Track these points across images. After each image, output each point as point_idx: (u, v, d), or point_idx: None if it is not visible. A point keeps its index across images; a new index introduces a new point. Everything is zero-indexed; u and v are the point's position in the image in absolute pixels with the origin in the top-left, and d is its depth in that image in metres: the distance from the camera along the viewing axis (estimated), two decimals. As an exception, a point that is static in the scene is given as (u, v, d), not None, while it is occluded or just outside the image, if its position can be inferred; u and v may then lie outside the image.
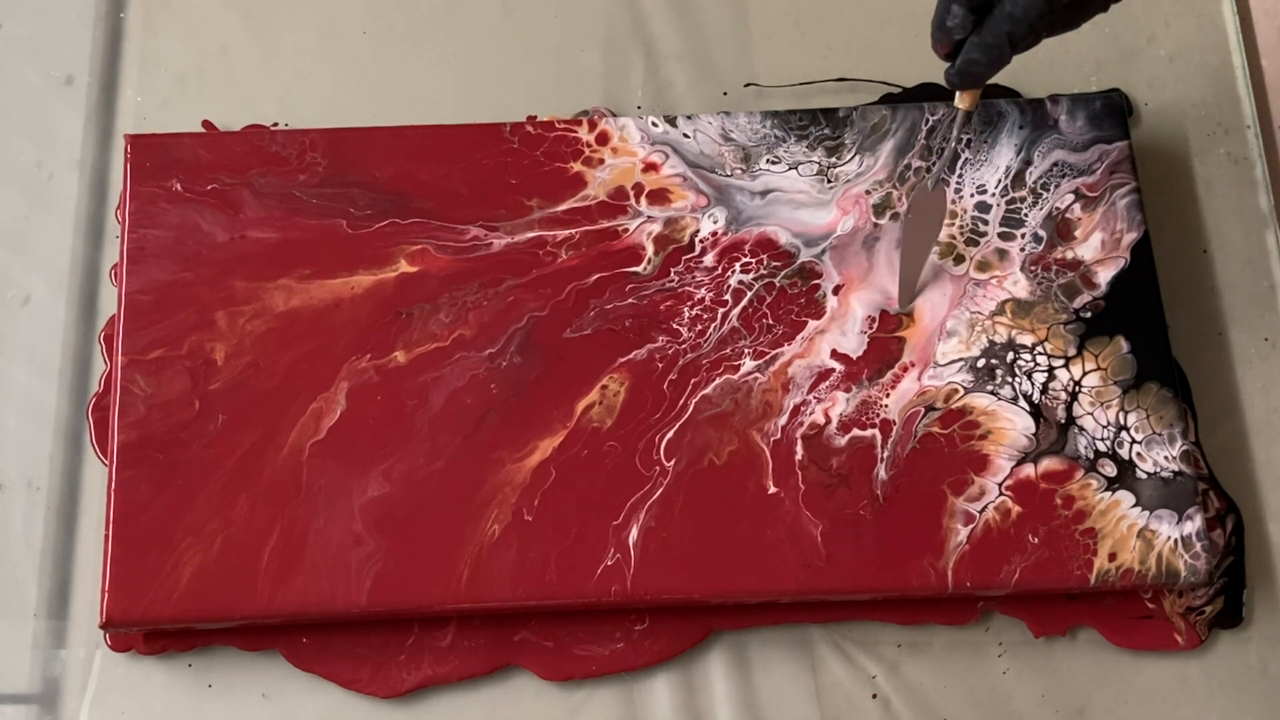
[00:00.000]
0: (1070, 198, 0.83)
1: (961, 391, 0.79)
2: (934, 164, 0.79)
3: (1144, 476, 0.78)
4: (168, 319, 0.80)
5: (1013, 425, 0.79)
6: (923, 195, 0.78)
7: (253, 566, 0.75)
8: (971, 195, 0.83)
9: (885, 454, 0.78)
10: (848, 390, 0.79)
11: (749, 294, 0.81)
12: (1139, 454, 0.78)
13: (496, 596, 0.75)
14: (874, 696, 0.78)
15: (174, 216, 0.82)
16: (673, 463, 0.78)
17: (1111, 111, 0.85)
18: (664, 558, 0.76)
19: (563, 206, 0.83)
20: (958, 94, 0.73)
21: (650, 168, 0.84)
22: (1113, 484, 0.78)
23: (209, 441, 0.78)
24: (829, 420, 0.79)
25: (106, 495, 0.77)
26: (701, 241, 0.82)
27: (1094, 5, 0.71)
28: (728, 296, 0.81)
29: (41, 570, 0.80)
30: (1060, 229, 0.83)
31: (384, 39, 0.91)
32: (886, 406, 0.79)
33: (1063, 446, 0.78)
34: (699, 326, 0.81)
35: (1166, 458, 0.78)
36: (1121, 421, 0.79)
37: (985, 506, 0.77)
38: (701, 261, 0.82)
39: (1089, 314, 0.81)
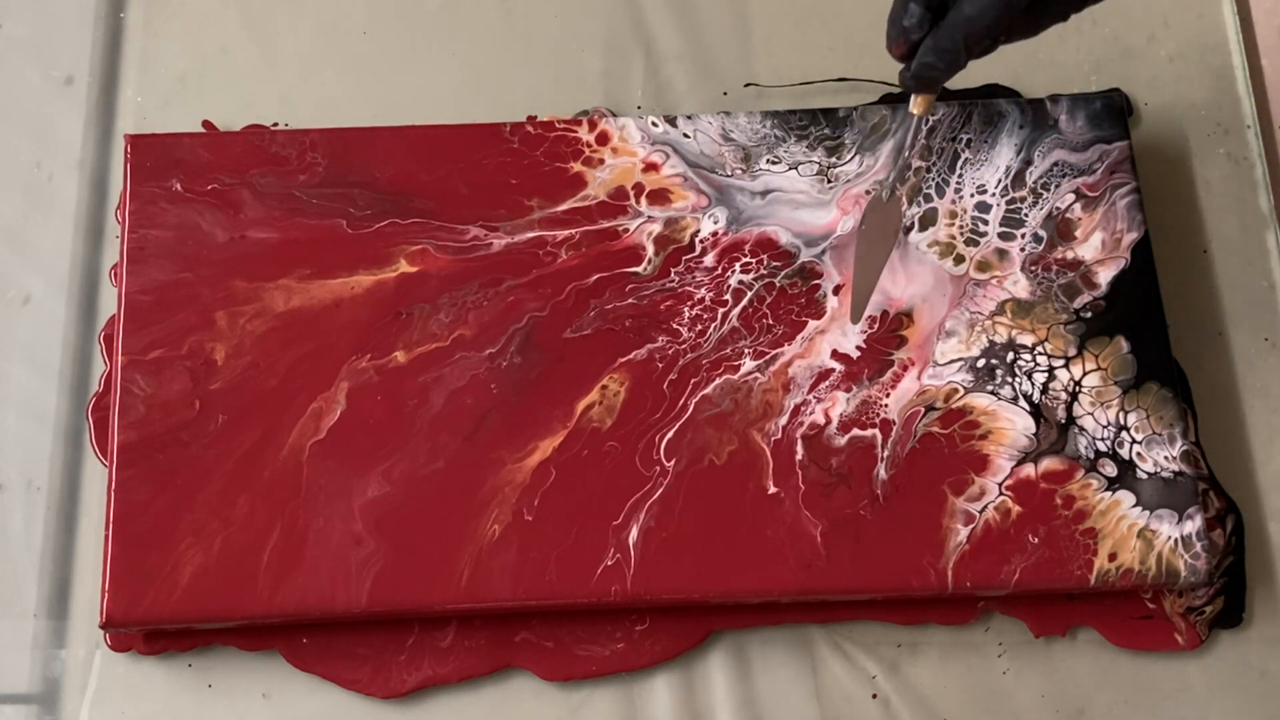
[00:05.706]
0: (1070, 198, 0.83)
1: (961, 391, 0.79)
2: (889, 176, 0.77)
3: (1144, 476, 0.78)
4: (168, 319, 0.80)
5: (1013, 425, 0.79)
6: (876, 206, 0.77)
7: (253, 566, 0.75)
8: (972, 195, 0.83)
9: (885, 454, 0.78)
10: (848, 390, 0.79)
11: (749, 294, 0.81)
12: (1139, 454, 0.78)
13: (496, 596, 0.75)
14: (874, 696, 0.78)
15: (174, 216, 0.82)
16: (673, 463, 0.78)
17: (1111, 111, 0.85)
18: (664, 558, 0.76)
19: (563, 206, 0.83)
20: (911, 98, 0.72)
21: (650, 168, 0.84)
22: (1113, 484, 0.78)
23: (209, 441, 0.77)
24: (829, 420, 0.79)
25: (106, 495, 0.77)
26: (702, 241, 0.82)
27: (1054, 12, 0.69)
28: (728, 296, 0.81)
29: (41, 570, 0.80)
30: (1060, 229, 0.83)
31: (384, 39, 0.91)
32: (886, 406, 0.79)
33: (1063, 446, 0.78)
34: (699, 326, 0.80)
35: (1166, 458, 0.78)
36: (1121, 421, 0.79)
37: (985, 506, 0.77)
38: (702, 261, 0.82)
39: (1089, 314, 0.81)
